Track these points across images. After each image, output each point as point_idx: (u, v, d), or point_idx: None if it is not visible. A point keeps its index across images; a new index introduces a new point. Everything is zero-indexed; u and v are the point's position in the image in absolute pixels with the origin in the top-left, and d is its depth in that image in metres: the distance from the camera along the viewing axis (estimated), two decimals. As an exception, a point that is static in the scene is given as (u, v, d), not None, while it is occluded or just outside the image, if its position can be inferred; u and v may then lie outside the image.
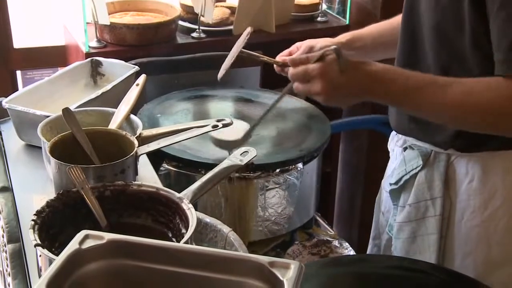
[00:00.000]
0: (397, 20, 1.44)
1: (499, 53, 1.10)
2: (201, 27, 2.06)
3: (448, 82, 1.16)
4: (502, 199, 1.26)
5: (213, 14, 2.05)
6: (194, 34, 2.06)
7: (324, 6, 2.34)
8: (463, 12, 1.14)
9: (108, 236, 0.81)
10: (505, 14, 1.07)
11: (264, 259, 0.77)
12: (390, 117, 1.42)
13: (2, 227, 1.15)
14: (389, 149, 1.51)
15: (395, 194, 1.43)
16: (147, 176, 1.29)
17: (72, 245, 0.79)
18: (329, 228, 1.72)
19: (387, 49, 1.49)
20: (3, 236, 1.13)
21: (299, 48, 1.54)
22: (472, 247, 1.31)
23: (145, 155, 1.28)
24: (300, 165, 1.55)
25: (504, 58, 1.09)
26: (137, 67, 1.58)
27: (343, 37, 1.54)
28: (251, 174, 1.49)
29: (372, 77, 1.19)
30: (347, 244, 1.62)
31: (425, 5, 1.23)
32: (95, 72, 1.64)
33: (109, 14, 1.94)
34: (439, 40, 1.22)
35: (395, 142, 1.46)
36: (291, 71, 1.23)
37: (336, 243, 1.62)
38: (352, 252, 1.60)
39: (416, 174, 1.37)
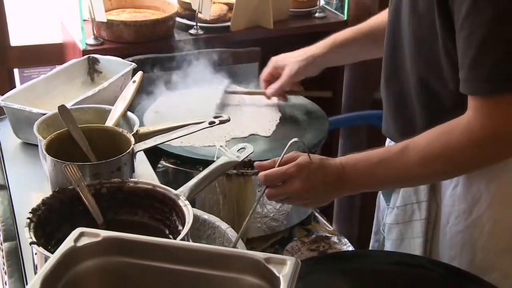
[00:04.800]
0: (368, 25, 1.50)
1: (461, 72, 1.10)
2: (198, 24, 2.05)
3: (403, 145, 1.16)
4: (486, 205, 1.24)
5: (210, 11, 2.04)
6: (192, 31, 2.05)
7: (322, 2, 2.33)
8: (435, 21, 1.13)
9: (104, 233, 0.80)
10: (465, 34, 1.07)
11: (260, 255, 0.76)
12: (383, 122, 1.41)
13: (-2, 226, 1.15)
14: None
15: (386, 195, 1.44)
16: (145, 173, 1.29)
17: (68, 243, 0.78)
18: (328, 224, 1.72)
19: (356, 57, 1.58)
20: (-1, 235, 1.13)
21: (276, 68, 1.60)
22: (456, 252, 1.29)
23: (142, 152, 1.28)
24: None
25: (465, 78, 1.09)
26: (134, 64, 1.58)
27: (318, 48, 1.56)
28: (249, 171, 1.48)
29: (339, 171, 1.18)
30: (346, 240, 1.62)
31: (406, 12, 1.21)
32: (92, 69, 1.63)
33: (106, 11, 1.93)
34: (417, 48, 1.21)
35: (387, 144, 1.45)
36: (261, 175, 1.18)
37: (335, 239, 1.62)
38: (351, 248, 1.60)
39: None
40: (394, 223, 1.39)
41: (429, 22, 1.15)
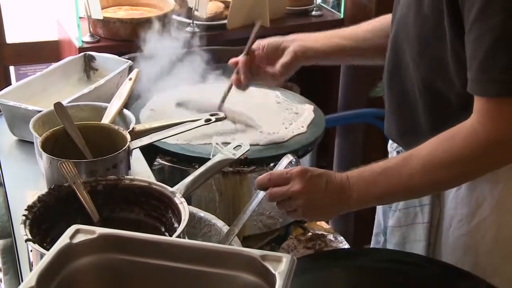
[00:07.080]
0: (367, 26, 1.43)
1: (469, 73, 1.09)
2: (195, 22, 2.05)
3: (406, 154, 1.16)
4: (490, 209, 1.22)
5: (207, 9, 2.04)
6: (188, 29, 2.05)
7: (318, 0, 2.33)
8: (444, 23, 1.12)
9: (99, 230, 0.80)
10: (474, 36, 1.07)
11: (256, 252, 0.76)
12: (385, 123, 1.40)
13: (-6, 223, 1.15)
14: (389, 151, 1.48)
15: None
16: (141, 170, 1.29)
17: (63, 240, 0.78)
18: (324, 222, 1.72)
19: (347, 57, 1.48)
20: (-6, 232, 1.13)
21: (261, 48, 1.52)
22: (459, 256, 1.27)
23: (138, 150, 1.28)
24: (294, 159, 1.54)
25: (473, 78, 1.09)
26: (130, 61, 1.58)
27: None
28: (245, 169, 1.48)
29: (344, 181, 1.17)
30: (342, 238, 1.62)
31: (410, 11, 1.20)
32: (88, 66, 1.63)
33: (102, 8, 1.93)
34: (421, 48, 1.20)
35: (390, 145, 1.44)
36: (265, 176, 1.19)
37: (331, 237, 1.62)
38: (346, 246, 1.60)
39: None
40: (397, 226, 1.37)
41: (435, 22, 1.14)
